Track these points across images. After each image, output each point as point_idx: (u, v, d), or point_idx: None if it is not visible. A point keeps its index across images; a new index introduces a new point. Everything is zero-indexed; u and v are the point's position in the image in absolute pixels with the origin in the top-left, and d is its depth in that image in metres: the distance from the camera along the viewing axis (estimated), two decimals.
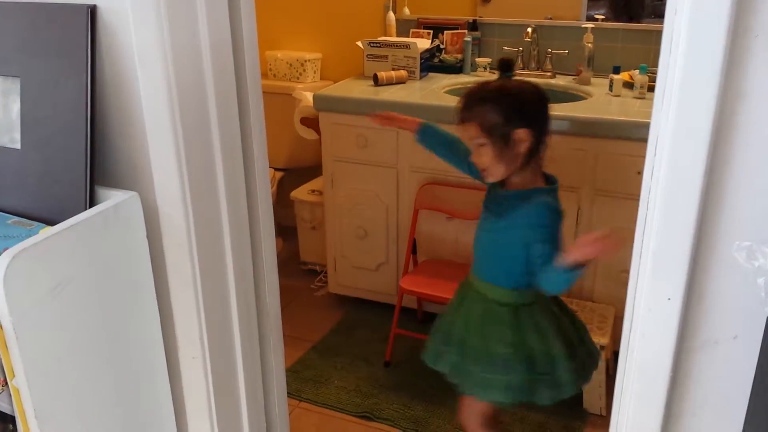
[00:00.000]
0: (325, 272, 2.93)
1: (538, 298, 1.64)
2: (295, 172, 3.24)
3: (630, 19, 2.73)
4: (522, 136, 1.54)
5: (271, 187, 1.97)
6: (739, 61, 0.80)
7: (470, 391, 1.69)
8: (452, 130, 2.38)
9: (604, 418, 2.18)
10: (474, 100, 1.59)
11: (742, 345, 0.88)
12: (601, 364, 2.07)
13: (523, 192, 1.61)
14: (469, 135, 1.58)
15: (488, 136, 1.54)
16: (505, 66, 1.71)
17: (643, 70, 2.44)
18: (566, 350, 1.63)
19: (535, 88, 1.62)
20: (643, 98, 2.40)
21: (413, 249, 2.56)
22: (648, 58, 2.54)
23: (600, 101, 2.44)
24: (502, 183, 1.64)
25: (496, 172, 1.58)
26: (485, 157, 1.56)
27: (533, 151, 1.57)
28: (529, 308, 1.64)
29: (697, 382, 0.93)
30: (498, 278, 1.65)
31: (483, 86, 1.62)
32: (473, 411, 1.78)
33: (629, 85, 2.49)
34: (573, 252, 1.41)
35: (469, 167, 1.68)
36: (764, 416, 0.79)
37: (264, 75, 3.01)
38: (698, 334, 0.91)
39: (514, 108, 1.56)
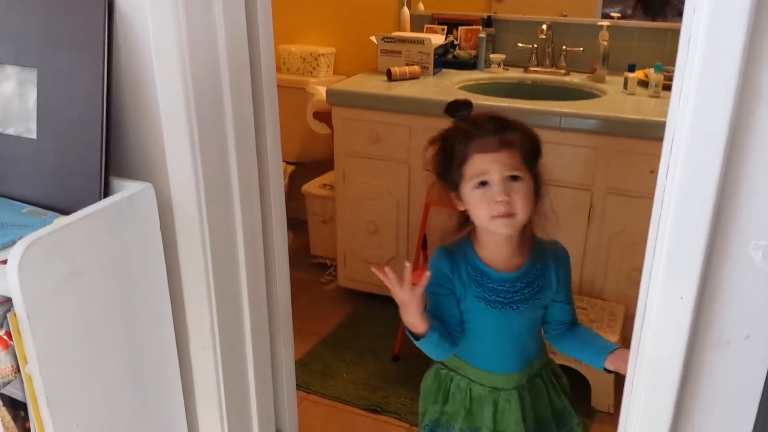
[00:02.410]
0: (335, 266, 2.94)
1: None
2: (306, 166, 3.25)
3: (654, 18, 2.72)
4: (544, 170, 1.32)
5: (283, 181, 1.98)
6: (757, 61, 0.79)
7: None
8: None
9: (612, 416, 2.18)
10: (505, 123, 1.30)
11: (754, 345, 0.87)
12: None
13: (534, 257, 1.37)
14: (508, 164, 1.26)
15: (526, 167, 1.28)
16: (462, 106, 1.37)
17: (658, 69, 2.43)
18: None
19: None
20: (658, 97, 2.39)
21: (423, 244, 2.56)
22: (663, 57, 2.53)
23: (614, 99, 2.43)
24: (490, 267, 1.35)
25: (522, 217, 1.28)
26: (519, 194, 1.26)
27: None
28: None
29: (708, 380, 0.93)
30: (532, 354, 1.43)
31: (497, 113, 1.33)
32: None
33: (644, 83, 2.48)
34: (621, 366, 1.28)
35: (456, 336, 1.38)
36: None
37: (277, 69, 3.01)
38: (710, 333, 0.90)
39: (536, 140, 1.33)
